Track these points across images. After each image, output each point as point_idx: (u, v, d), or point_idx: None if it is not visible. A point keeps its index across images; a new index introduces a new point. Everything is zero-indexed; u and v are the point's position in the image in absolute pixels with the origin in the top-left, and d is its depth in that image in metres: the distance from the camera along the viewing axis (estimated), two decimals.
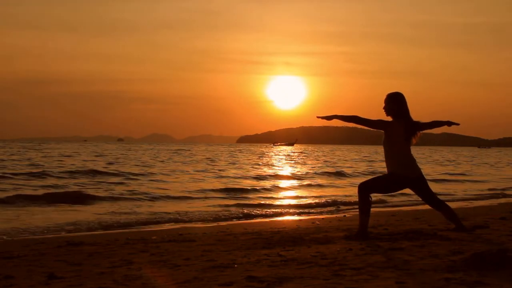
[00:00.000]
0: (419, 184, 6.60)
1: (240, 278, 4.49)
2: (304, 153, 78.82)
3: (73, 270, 5.36)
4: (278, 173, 28.93)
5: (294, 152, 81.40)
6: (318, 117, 6.65)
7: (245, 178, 25.47)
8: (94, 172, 25.71)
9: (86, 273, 5.19)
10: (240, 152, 75.03)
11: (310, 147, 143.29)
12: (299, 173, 29.96)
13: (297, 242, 6.56)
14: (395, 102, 6.58)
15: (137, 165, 34.12)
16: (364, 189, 6.54)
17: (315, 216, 12.14)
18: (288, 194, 18.46)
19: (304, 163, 43.08)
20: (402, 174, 6.52)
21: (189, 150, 77.16)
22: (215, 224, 10.86)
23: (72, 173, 24.73)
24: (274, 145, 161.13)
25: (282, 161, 46.74)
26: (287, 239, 6.91)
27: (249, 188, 19.74)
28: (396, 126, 6.54)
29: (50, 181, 21.09)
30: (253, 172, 29.40)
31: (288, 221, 11.48)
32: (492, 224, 7.53)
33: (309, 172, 30.33)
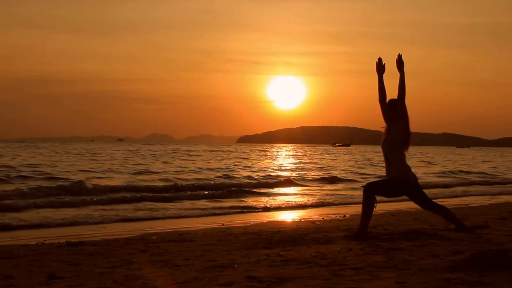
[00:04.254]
0: (416, 189, 6.60)
1: (240, 278, 4.49)
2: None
3: (73, 270, 5.36)
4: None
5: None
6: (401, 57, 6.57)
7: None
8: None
9: (86, 273, 5.19)
10: (321, 153, 72.85)
11: (367, 148, 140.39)
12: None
13: (297, 242, 6.56)
14: (398, 107, 6.57)
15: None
16: (369, 190, 6.53)
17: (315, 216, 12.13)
18: None
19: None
20: (403, 179, 6.52)
21: (245, 152, 73.19)
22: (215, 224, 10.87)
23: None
24: (333, 145, 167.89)
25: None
26: (287, 239, 6.90)
27: None
28: (398, 130, 6.53)
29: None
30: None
31: (288, 221, 11.47)
32: (492, 224, 7.52)
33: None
